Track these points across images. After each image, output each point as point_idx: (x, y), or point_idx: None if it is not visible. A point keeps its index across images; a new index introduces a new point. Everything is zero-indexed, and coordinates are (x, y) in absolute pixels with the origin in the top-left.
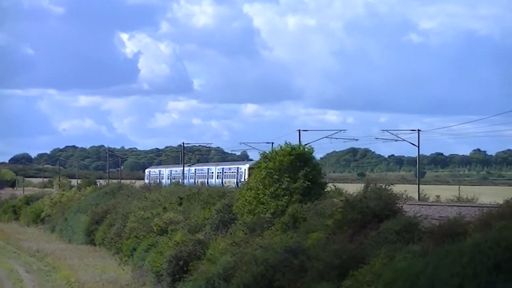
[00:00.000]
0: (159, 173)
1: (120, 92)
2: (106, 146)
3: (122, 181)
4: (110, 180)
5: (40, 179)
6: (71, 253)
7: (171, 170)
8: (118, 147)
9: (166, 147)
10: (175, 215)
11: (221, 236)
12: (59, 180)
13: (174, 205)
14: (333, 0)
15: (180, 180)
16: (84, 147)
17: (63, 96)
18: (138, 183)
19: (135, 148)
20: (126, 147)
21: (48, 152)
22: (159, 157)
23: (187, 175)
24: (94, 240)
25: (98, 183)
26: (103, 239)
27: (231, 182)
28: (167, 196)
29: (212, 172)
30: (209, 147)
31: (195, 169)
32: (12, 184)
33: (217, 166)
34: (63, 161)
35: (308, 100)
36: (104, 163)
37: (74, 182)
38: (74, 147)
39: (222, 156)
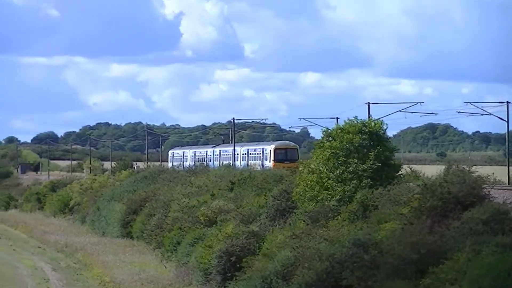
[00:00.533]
0: (183, 154)
1: (159, 60)
2: (144, 123)
3: (163, 163)
4: (149, 163)
5: (68, 162)
6: (105, 248)
7: (195, 152)
8: (157, 124)
9: (214, 123)
10: (225, 203)
11: (278, 227)
12: (90, 163)
13: (224, 191)
14: None
15: (231, 162)
16: (118, 124)
17: (93, 65)
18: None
19: (177, 125)
20: (167, 124)
21: (77, 130)
22: (206, 135)
23: (212, 157)
24: (131, 233)
25: (135, 166)
26: (142, 232)
27: (256, 164)
28: (216, 180)
29: (237, 154)
30: (264, 123)
31: (220, 151)
32: (36, 168)
33: (242, 147)
34: (94, 141)
35: (379, 68)
36: (141, 143)
37: (107, 165)
38: (107, 124)
39: (279, 134)
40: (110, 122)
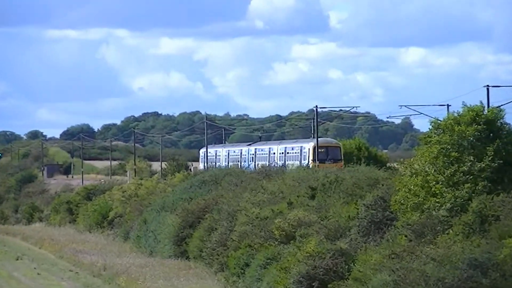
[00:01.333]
0: (215, 154)
1: (221, 33)
2: (203, 112)
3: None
4: (210, 163)
5: (107, 163)
6: (153, 271)
7: (228, 151)
8: (220, 113)
9: (291, 113)
10: (306, 213)
11: (373, 244)
12: (134, 164)
13: (303, 198)
14: None
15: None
16: (170, 114)
17: (137, 40)
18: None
19: (245, 115)
20: (233, 114)
21: (118, 122)
22: (281, 128)
23: (246, 157)
24: (186, 252)
25: (191, 168)
26: (200, 250)
27: (294, 164)
28: (294, 185)
29: (274, 153)
30: (355, 112)
31: (255, 149)
32: (66, 170)
33: (280, 145)
34: (140, 136)
35: (500, 41)
36: (200, 138)
37: (156, 166)
38: (155, 114)
39: (373, 126)
40: (159, 112)
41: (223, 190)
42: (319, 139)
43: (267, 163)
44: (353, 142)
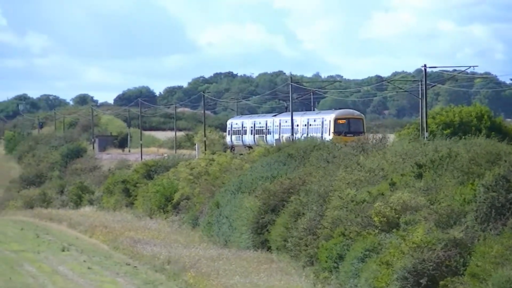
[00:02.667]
0: (242, 125)
1: None
2: (286, 73)
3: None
4: (296, 134)
5: (171, 133)
6: (228, 266)
7: (254, 122)
8: (307, 74)
9: (394, 73)
10: (412, 196)
11: (494, 232)
12: (204, 135)
13: (408, 177)
14: None
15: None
16: (247, 75)
17: None
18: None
19: (338, 75)
20: (323, 75)
21: (184, 84)
22: (382, 91)
23: (271, 129)
24: (267, 242)
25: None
26: (285, 240)
27: (316, 136)
28: (397, 161)
29: (297, 125)
30: (472, 72)
31: (279, 121)
32: (122, 143)
33: (303, 116)
34: (210, 101)
35: None
36: (283, 103)
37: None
38: (229, 74)
39: (494, 90)
40: (234, 72)
41: (312, 167)
42: (340, 110)
43: (290, 136)
44: (472, 110)
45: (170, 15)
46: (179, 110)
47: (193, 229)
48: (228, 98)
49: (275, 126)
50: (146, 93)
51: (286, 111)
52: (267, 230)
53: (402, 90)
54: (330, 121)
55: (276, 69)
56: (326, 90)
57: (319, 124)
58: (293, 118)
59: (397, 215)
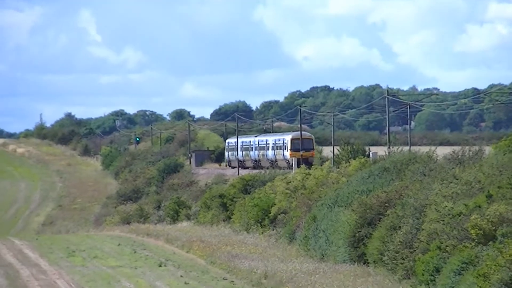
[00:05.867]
0: (235, 144)
1: None
2: (383, 86)
3: (413, 147)
4: (392, 147)
5: None
6: (325, 279)
7: (243, 141)
8: (404, 87)
9: (491, 85)
10: (509, 208)
11: None
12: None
13: (506, 190)
14: None
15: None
16: (343, 88)
17: None
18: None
19: (435, 88)
20: (420, 88)
21: (281, 99)
22: (479, 104)
23: (253, 146)
24: (364, 255)
25: (370, 153)
26: (381, 253)
27: (279, 154)
28: (494, 174)
29: (268, 144)
30: None
31: (258, 140)
32: (218, 158)
33: (272, 137)
34: (307, 115)
35: None
36: (380, 117)
37: (327, 151)
38: (325, 88)
39: None
40: (330, 86)
41: (408, 180)
42: (294, 133)
43: (264, 153)
44: None
45: (266, 30)
46: (275, 124)
47: (289, 243)
48: (324, 111)
49: (255, 145)
50: (242, 107)
51: (264, 133)
52: (364, 243)
53: (499, 103)
54: (288, 140)
55: (372, 82)
56: (423, 103)
57: (281, 143)
58: (266, 138)
59: (494, 228)
